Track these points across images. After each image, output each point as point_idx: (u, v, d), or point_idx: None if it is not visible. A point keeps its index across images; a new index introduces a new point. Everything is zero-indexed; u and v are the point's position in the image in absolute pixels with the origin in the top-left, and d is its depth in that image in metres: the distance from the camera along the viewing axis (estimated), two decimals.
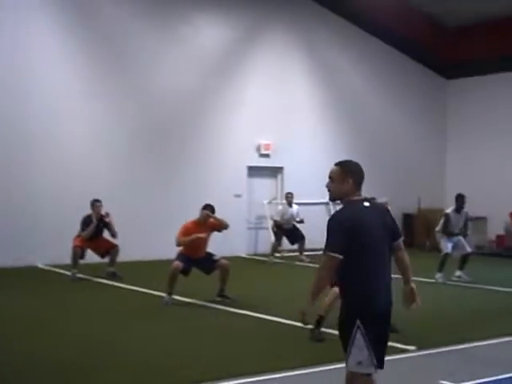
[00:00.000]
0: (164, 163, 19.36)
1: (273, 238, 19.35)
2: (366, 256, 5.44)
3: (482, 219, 23.06)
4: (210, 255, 12.63)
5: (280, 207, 19.68)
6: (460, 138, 24.53)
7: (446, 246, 15.52)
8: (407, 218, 23.26)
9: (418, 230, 22.93)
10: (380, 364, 5.60)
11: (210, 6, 20.31)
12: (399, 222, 23.53)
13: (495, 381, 7.80)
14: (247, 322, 11.07)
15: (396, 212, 23.24)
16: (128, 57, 18.93)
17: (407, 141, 24.00)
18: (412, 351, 9.00)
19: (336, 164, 5.75)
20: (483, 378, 7.86)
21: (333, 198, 5.78)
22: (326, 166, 22.16)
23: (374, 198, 6.74)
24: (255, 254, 20.51)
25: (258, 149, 20.91)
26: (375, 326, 5.48)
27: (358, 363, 5.51)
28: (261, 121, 20.99)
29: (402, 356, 8.77)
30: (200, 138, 20.00)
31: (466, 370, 8.25)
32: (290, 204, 19.05)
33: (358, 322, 5.44)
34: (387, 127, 23.65)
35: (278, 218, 19.07)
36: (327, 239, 5.43)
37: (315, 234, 18.58)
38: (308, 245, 19.08)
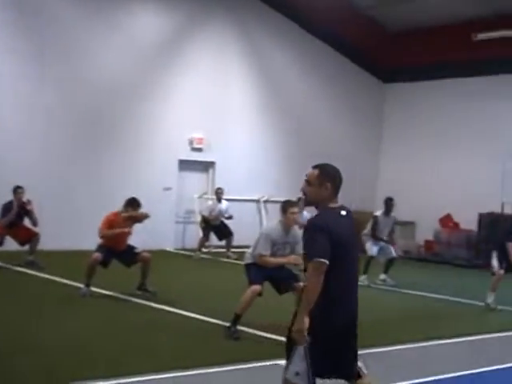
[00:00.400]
0: (93, 153, 18.93)
1: (200, 233, 19.13)
2: (340, 267, 5.18)
3: (410, 224, 23.19)
4: (131, 248, 12.38)
5: (209, 202, 19.45)
6: (394, 142, 24.62)
7: (372, 249, 15.49)
8: None
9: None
10: (344, 375, 5.46)
11: None
12: None
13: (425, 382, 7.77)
14: (164, 316, 10.86)
15: None
16: (61, 44, 18.38)
17: (341, 141, 23.93)
18: None
19: (314, 167, 5.50)
20: (399, 381, 7.79)
21: (308, 203, 5.48)
22: (258, 164, 22.46)
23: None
24: (183, 249, 20.25)
25: (191, 142, 20.62)
26: (338, 338, 5.27)
27: (296, 374, 5.26)
28: (195, 114, 20.73)
29: None
30: (131, 129, 19.63)
31: (382, 374, 8.13)
32: (219, 200, 18.82)
33: (307, 337, 5.15)
34: (322, 127, 23.57)
35: (206, 214, 18.83)
36: (311, 245, 5.17)
37: (244, 230, 18.64)
38: (236, 242, 18.89)
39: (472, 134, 22.30)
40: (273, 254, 9.59)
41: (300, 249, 9.97)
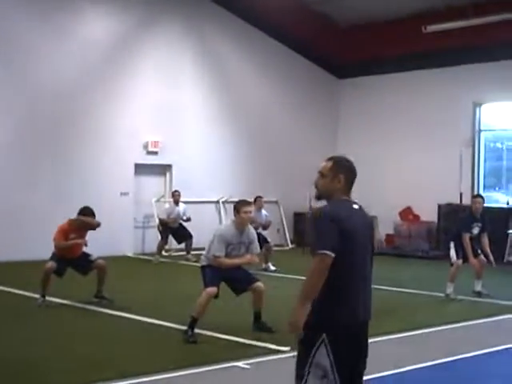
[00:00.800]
0: (47, 159, 18.62)
1: (159, 237, 18.96)
2: (350, 261, 4.79)
3: (372, 218, 23.16)
4: (86, 255, 12.20)
5: (167, 205, 19.27)
6: (351, 138, 24.56)
7: None
8: (298, 217, 23.14)
9: (309, 229, 22.90)
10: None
11: None
12: (290, 222, 23.50)
13: (376, 378, 7.63)
14: (121, 323, 10.72)
15: (287, 211, 23.33)
16: (11, 46, 18.08)
17: (299, 139, 23.87)
18: (286, 352, 8.74)
19: (328, 159, 5.19)
20: (369, 375, 7.66)
21: (319, 196, 5.10)
22: (216, 165, 22.30)
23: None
24: (142, 254, 20.04)
25: (146, 146, 20.42)
26: (348, 343, 4.82)
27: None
28: (149, 117, 20.52)
29: (274, 357, 8.57)
30: (85, 134, 19.33)
31: None
32: (176, 202, 18.66)
33: (324, 336, 4.72)
34: (279, 125, 23.49)
35: (163, 217, 18.65)
36: (317, 236, 4.77)
37: (204, 232, 18.39)
38: (196, 244, 18.71)
39: (429, 125, 22.33)
40: (228, 255, 9.50)
41: (255, 248, 9.91)
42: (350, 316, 4.85)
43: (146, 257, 19.37)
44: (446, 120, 21.90)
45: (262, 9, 21.50)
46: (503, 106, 21.59)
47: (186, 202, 19.06)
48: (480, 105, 21.71)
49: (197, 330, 9.44)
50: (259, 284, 9.79)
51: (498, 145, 22.47)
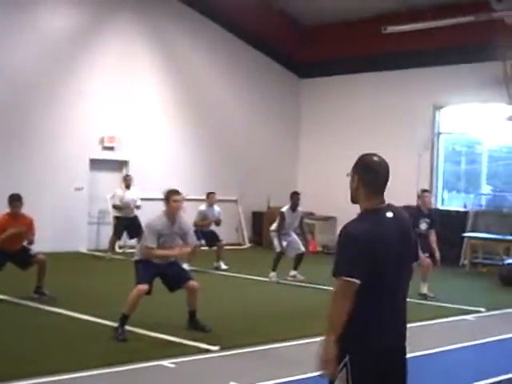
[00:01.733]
0: (0, 153, 18.40)
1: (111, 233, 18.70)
2: (379, 284, 4.26)
3: (331, 219, 23.13)
4: (26, 250, 12.00)
5: (118, 190, 18.51)
6: (312, 138, 24.50)
7: (279, 245, 15.26)
8: (256, 216, 23.01)
9: (267, 228, 22.73)
10: None
11: None
12: (248, 221, 23.35)
13: (289, 382, 7.54)
14: (57, 320, 10.54)
15: (245, 210, 23.19)
16: None
17: (259, 137, 23.75)
18: (215, 351, 8.65)
19: None
20: (281, 378, 7.61)
21: (352, 200, 4.57)
22: (173, 162, 22.06)
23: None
24: (97, 250, 19.78)
25: (102, 141, 20.20)
26: (373, 371, 4.27)
27: None
28: (106, 112, 20.27)
29: (202, 356, 8.45)
30: (40, 128, 19.05)
31: (265, 371, 7.97)
32: (128, 187, 18.21)
33: (347, 359, 4.22)
34: (239, 123, 23.34)
35: (117, 202, 18.15)
36: (338, 259, 4.28)
37: None
38: None
39: (387, 127, 22.24)
40: (161, 246, 9.35)
41: (191, 238, 9.78)
42: (377, 339, 4.32)
43: (99, 253, 19.13)
44: (405, 122, 21.85)
45: (223, 6, 21.31)
46: (463, 109, 21.52)
47: (142, 199, 18.81)
48: (440, 108, 21.68)
49: (129, 328, 9.31)
50: (193, 283, 9.63)
51: (457, 147, 22.45)
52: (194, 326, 9.69)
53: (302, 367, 7.92)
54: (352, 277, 4.14)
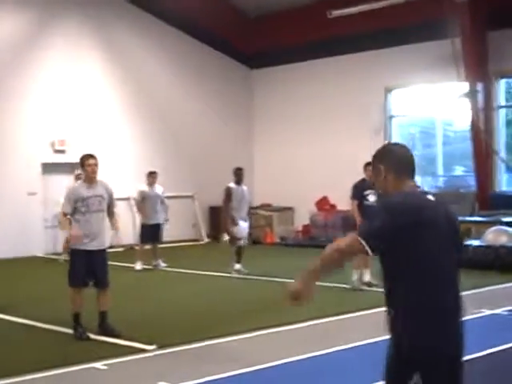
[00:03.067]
0: None
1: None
2: (432, 266, 3.91)
3: (288, 210, 23.07)
4: None
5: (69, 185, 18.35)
6: (267, 129, 24.37)
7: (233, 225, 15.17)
8: (213, 211, 22.78)
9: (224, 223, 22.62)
10: None
11: None
12: (205, 216, 23.19)
13: (220, 379, 7.41)
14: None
15: (202, 205, 23.03)
16: None
17: (214, 132, 23.62)
18: (150, 351, 8.49)
19: None
20: (213, 375, 7.45)
21: (383, 194, 4.28)
22: (126, 161, 21.84)
23: None
24: (54, 253, 19.56)
25: (53, 145, 20.02)
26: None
27: None
28: (55, 115, 20.12)
29: (136, 357, 8.28)
30: None
31: (198, 368, 7.82)
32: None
33: (418, 378, 3.77)
34: (193, 119, 23.20)
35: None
36: (366, 222, 4.20)
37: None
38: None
39: (341, 113, 22.17)
40: (86, 212, 9.10)
41: (113, 204, 9.56)
42: (444, 341, 3.88)
43: (55, 256, 18.92)
44: (357, 106, 21.73)
45: (169, 3, 21.22)
46: (415, 91, 21.44)
47: None
48: (391, 90, 21.61)
49: (65, 330, 9.24)
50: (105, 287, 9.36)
51: (411, 130, 22.41)
52: (104, 329, 9.26)
53: (237, 363, 7.85)
54: (367, 242, 3.84)
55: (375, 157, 4.24)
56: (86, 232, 9.10)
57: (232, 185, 15.25)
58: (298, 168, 23.04)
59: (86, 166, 9.29)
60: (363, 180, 13.23)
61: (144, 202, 16.46)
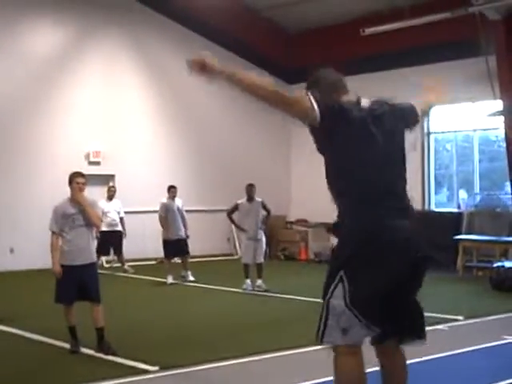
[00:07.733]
0: None
1: None
2: (365, 158, 4.46)
3: (324, 225, 22.84)
4: None
5: (101, 203, 18.37)
6: (304, 145, 23.98)
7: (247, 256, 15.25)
8: None
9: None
10: (413, 334, 4.48)
11: (34, 11, 19.61)
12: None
13: None
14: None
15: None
16: None
17: (252, 147, 23.63)
18: (152, 372, 8.17)
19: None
20: None
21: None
22: (160, 175, 21.85)
23: None
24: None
25: (87, 156, 20.21)
26: (383, 267, 4.27)
27: (343, 331, 4.20)
28: (91, 127, 20.37)
29: (138, 378, 7.99)
30: (27, 146, 19.27)
31: None
32: (110, 198, 18.30)
33: (342, 272, 4.23)
34: (229, 134, 23.25)
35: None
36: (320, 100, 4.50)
37: (146, 243, 18.57)
38: (137, 254, 18.73)
39: None
40: (71, 228, 9.09)
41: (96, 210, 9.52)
42: (375, 222, 4.34)
43: None
44: None
45: (207, 17, 21.37)
46: (452, 108, 21.11)
47: (128, 212, 18.77)
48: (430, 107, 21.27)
49: (62, 344, 9.22)
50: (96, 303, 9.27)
51: (448, 147, 22.11)
52: (101, 347, 9.07)
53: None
54: (316, 104, 4.33)
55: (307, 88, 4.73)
56: (73, 248, 9.08)
57: (241, 201, 15.21)
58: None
59: (73, 184, 9.24)
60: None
61: (167, 215, 16.44)
